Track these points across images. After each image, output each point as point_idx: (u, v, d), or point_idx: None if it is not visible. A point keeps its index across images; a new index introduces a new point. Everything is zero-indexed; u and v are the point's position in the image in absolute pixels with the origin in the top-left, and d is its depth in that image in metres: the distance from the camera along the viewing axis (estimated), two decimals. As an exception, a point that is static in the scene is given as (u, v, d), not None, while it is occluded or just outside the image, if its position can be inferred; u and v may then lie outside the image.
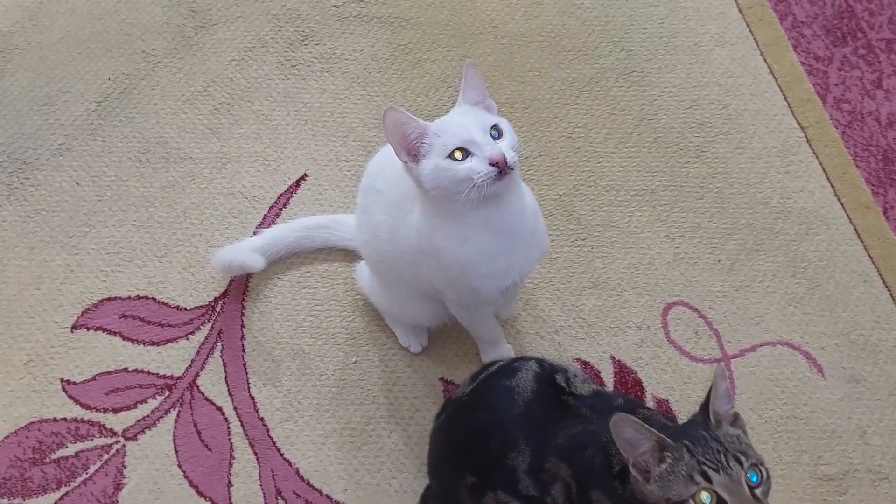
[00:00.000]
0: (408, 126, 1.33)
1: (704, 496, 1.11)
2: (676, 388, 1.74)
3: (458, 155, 1.32)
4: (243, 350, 1.76)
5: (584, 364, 1.75)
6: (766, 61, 2.15)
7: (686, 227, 1.92)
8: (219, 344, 1.75)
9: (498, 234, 1.40)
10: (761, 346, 1.80)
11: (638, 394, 1.73)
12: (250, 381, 1.73)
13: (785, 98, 2.10)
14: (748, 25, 2.20)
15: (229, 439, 1.67)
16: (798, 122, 2.06)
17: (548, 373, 1.39)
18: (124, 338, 1.76)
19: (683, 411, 1.72)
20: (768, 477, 1.15)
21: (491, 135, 1.33)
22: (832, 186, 1.99)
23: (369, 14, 2.17)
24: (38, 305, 1.79)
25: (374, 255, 1.61)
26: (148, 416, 1.68)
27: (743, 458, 1.14)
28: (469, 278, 1.44)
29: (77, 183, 1.94)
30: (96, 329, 1.77)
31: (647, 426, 1.14)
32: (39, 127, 2.00)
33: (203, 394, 1.71)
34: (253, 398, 1.71)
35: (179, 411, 1.69)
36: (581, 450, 1.28)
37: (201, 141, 1.99)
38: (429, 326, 1.74)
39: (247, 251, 1.76)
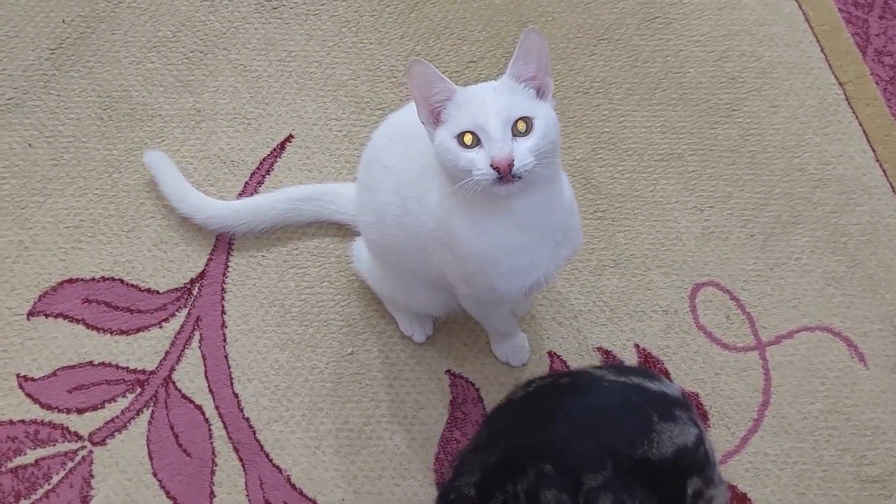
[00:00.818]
0: (434, 85, 1.14)
1: None
2: (707, 379, 1.58)
3: (467, 139, 1.12)
4: (225, 340, 1.56)
5: (606, 353, 1.58)
6: (801, 7, 1.94)
7: (716, 196, 1.73)
8: (197, 333, 1.55)
9: (522, 227, 1.20)
10: (798, 331, 1.63)
11: (666, 388, 1.57)
12: (233, 375, 1.54)
13: (822, 49, 1.89)
14: (781, -35, 1.97)
15: (211, 443, 1.48)
16: (836, 78, 1.86)
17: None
18: (88, 326, 1.55)
19: (715, 406, 1.56)
20: None
21: (517, 128, 1.12)
22: (873, 150, 1.80)
23: (360, -52, 1.91)
24: (-12, 289, 1.58)
25: (377, 238, 1.41)
26: (117, 417, 1.49)
27: None
28: (487, 275, 1.24)
29: (29, 144, 1.70)
30: (56, 316, 1.56)
31: None
32: (-17, 78, 1.75)
33: (180, 391, 1.51)
34: (237, 395, 1.52)
35: (153, 411, 1.50)
36: None
37: (171, 95, 1.75)
38: (436, 316, 1.55)
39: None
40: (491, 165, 1.10)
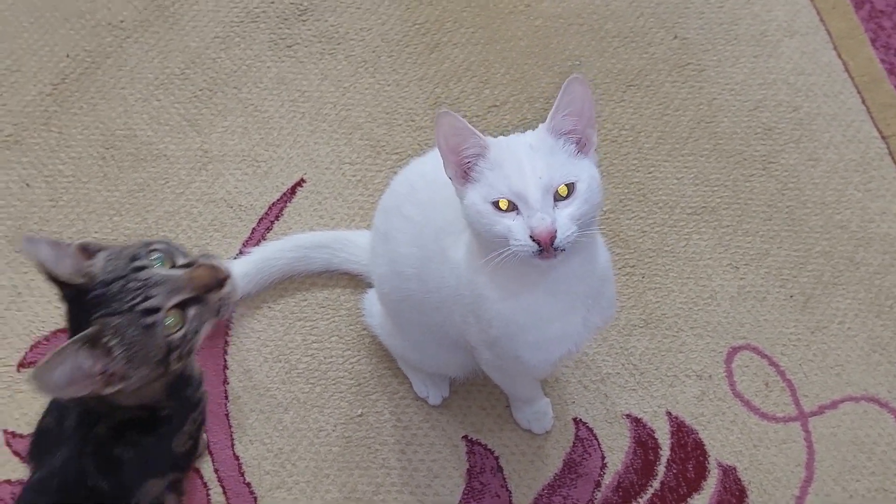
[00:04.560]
0: (466, 139, 1.03)
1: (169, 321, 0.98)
2: (745, 452, 1.46)
3: (503, 204, 1.01)
4: (226, 397, 1.45)
5: (636, 421, 1.47)
6: (840, 57, 1.85)
7: (752, 254, 1.63)
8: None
9: (553, 294, 1.09)
10: (843, 401, 1.52)
11: (700, 459, 1.45)
12: (234, 436, 1.43)
13: (863, 101, 1.80)
14: (819, 13, 1.89)
15: (208, 511, 1.37)
16: (879, 131, 1.77)
17: None
18: (80, 379, 1.44)
19: (755, 481, 1.44)
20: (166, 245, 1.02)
21: (558, 193, 1.01)
22: (918, 208, 1.70)
23: (379, -14, 1.84)
24: (-24, 337, 1.47)
25: (392, 292, 1.30)
26: (108, 479, 1.38)
27: (140, 260, 0.99)
28: (513, 343, 1.13)
29: (27, 184, 1.61)
30: (46, 368, 1.45)
31: (56, 351, 0.91)
32: (-18, 113, 1.67)
33: (176, 452, 1.40)
34: (238, 458, 1.41)
35: (147, 474, 1.38)
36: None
37: (177, 135, 1.67)
38: (453, 377, 1.44)
39: None
40: (531, 237, 0.99)
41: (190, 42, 1.76)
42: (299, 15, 1.80)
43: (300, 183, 1.64)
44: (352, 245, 1.53)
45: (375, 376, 1.49)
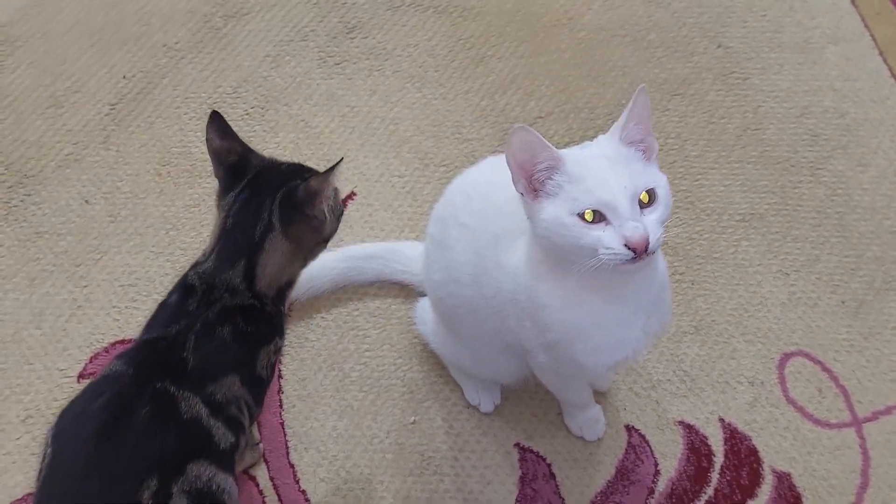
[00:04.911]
0: (539, 153, 1.03)
1: None
2: (800, 458, 1.45)
3: (588, 216, 1.02)
4: (281, 406, 1.48)
5: (689, 428, 1.47)
6: (886, 63, 1.84)
7: (802, 260, 1.62)
8: (252, 398, 1.47)
9: (616, 301, 1.11)
10: (898, 407, 1.50)
11: (754, 466, 1.44)
12: (289, 444, 1.45)
13: (911, 106, 1.79)
14: (863, 19, 1.89)
15: (265, 517, 1.40)
16: (928, 135, 1.76)
17: None
18: (140, 389, 1.48)
19: (809, 488, 1.43)
20: None
21: (640, 200, 1.03)
22: (971, 212, 1.68)
23: (424, 2, 1.87)
24: (40, 349, 1.52)
25: (447, 298, 1.31)
26: (168, 486, 1.41)
27: None
28: (572, 348, 1.15)
29: (86, 200, 1.66)
30: (107, 378, 1.49)
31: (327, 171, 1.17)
32: (44, 133, 1.73)
33: (233, 459, 1.43)
34: (293, 466, 1.43)
35: (205, 480, 1.41)
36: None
37: (231, 151, 1.71)
38: (505, 384, 1.45)
39: None
40: (625, 245, 1.01)
41: (242, 61, 1.81)
42: (347, 33, 1.84)
43: (351, 196, 1.67)
44: (403, 256, 1.55)
45: (427, 384, 1.50)
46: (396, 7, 1.86)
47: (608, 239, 1.01)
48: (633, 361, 1.20)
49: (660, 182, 1.05)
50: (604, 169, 1.03)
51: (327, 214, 1.20)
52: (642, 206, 1.03)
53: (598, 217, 1.02)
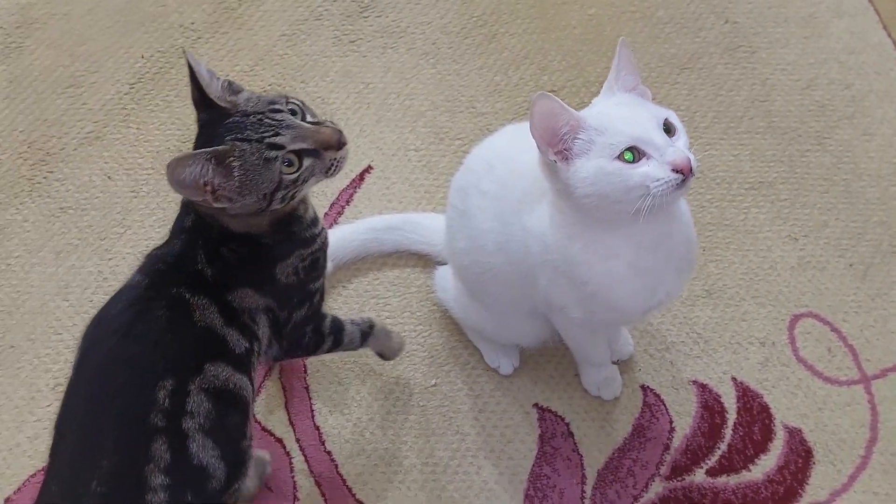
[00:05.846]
0: (560, 117, 1.07)
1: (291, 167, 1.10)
2: (810, 414, 1.49)
3: (628, 156, 1.06)
4: (305, 371, 1.51)
5: (702, 387, 1.50)
6: (890, 36, 1.88)
7: (810, 225, 1.66)
8: (276, 364, 1.51)
9: (651, 247, 1.16)
10: (905, 365, 1.54)
11: (766, 422, 1.48)
12: (314, 407, 1.49)
13: (914, 77, 1.83)
14: (867, -6, 1.93)
15: (292, 476, 1.43)
16: (931, 105, 1.80)
17: None
18: (167, 356, 1.52)
19: (820, 442, 1.47)
20: (301, 104, 1.15)
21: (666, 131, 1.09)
22: (974, 178, 1.72)
23: (437, -19, 1.91)
24: (67, 319, 1.55)
25: (472, 266, 1.35)
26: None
27: (278, 105, 1.11)
28: (611, 295, 1.19)
29: (109, 177, 1.69)
30: (135, 346, 1.52)
31: (191, 154, 1.06)
32: (64, 112, 1.76)
33: (260, 423, 1.47)
34: (318, 428, 1.47)
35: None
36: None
37: (250, 127, 1.74)
38: (524, 347, 1.49)
39: None
40: (672, 169, 1.05)
41: (258, 41, 1.84)
42: (361, 11, 1.88)
43: (368, 170, 1.71)
44: (421, 227, 1.59)
45: (447, 349, 1.54)
46: (409, -14, 1.90)
47: (655, 170, 1.05)
48: (667, 304, 1.25)
49: (670, 113, 1.11)
50: (625, 111, 1.09)
51: (222, 194, 1.08)
52: (669, 136, 1.08)
53: (637, 155, 1.06)
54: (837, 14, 1.89)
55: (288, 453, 1.45)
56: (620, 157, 1.06)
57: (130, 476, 1.06)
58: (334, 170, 1.15)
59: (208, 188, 1.07)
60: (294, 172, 1.10)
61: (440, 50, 1.84)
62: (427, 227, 1.58)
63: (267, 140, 1.08)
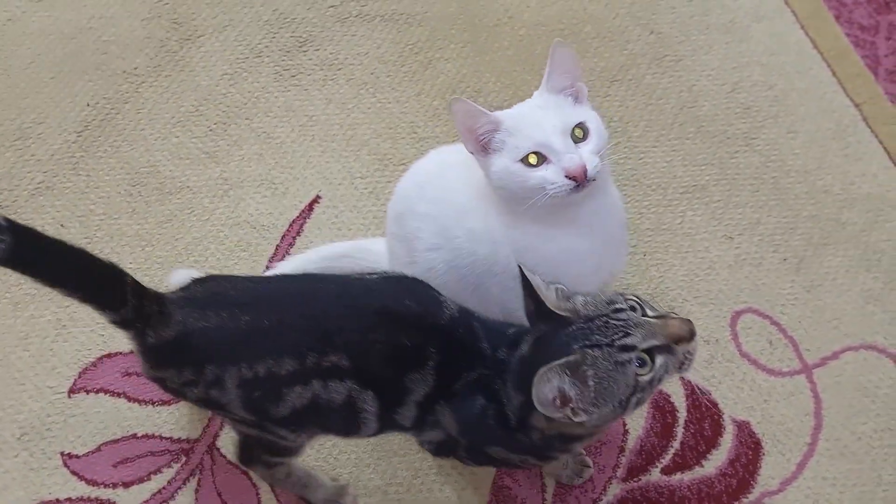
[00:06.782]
0: (477, 119, 1.19)
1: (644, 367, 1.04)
2: (757, 407, 1.56)
3: (532, 159, 1.17)
4: (267, 402, 1.55)
5: (651, 388, 1.56)
6: (808, 35, 1.96)
7: (744, 224, 1.74)
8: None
9: (586, 232, 1.25)
10: (843, 352, 1.62)
11: (715, 418, 1.54)
12: (278, 437, 1.52)
13: (833, 73, 1.91)
14: (783, -3, 2.01)
15: (260, 507, 1.47)
16: (851, 100, 1.88)
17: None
18: (129, 398, 1.55)
19: (768, 433, 1.53)
20: (638, 299, 1.10)
21: (574, 136, 1.18)
22: (896, 167, 1.81)
23: (371, 12, 1.96)
24: (28, 370, 1.58)
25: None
26: (164, 488, 1.48)
27: (618, 304, 1.06)
28: (559, 278, 1.24)
29: (62, 225, 1.72)
30: (97, 391, 1.56)
31: (545, 369, 1.00)
32: (13, 165, 1.78)
33: (224, 457, 1.50)
34: (283, 457, 1.50)
35: (200, 479, 1.48)
36: (471, 406, 1.15)
37: (198, 167, 1.78)
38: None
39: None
40: (566, 177, 1.14)
41: (201, 81, 1.88)
42: (300, 46, 1.92)
43: (316, 200, 1.75)
44: (371, 252, 1.62)
45: (404, 370, 1.58)
46: (344, 19, 1.95)
47: (551, 175, 1.16)
48: (610, 285, 1.35)
49: (589, 117, 1.20)
50: (536, 116, 1.19)
51: (585, 414, 1.04)
52: (577, 140, 1.18)
53: (541, 159, 1.16)
54: (756, 18, 1.97)
55: (254, 485, 1.48)
56: (525, 159, 1.16)
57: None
58: (687, 364, 1.08)
59: (569, 404, 1.03)
60: (648, 373, 1.04)
61: (379, 79, 1.89)
62: (377, 253, 1.62)
63: (618, 343, 1.03)
